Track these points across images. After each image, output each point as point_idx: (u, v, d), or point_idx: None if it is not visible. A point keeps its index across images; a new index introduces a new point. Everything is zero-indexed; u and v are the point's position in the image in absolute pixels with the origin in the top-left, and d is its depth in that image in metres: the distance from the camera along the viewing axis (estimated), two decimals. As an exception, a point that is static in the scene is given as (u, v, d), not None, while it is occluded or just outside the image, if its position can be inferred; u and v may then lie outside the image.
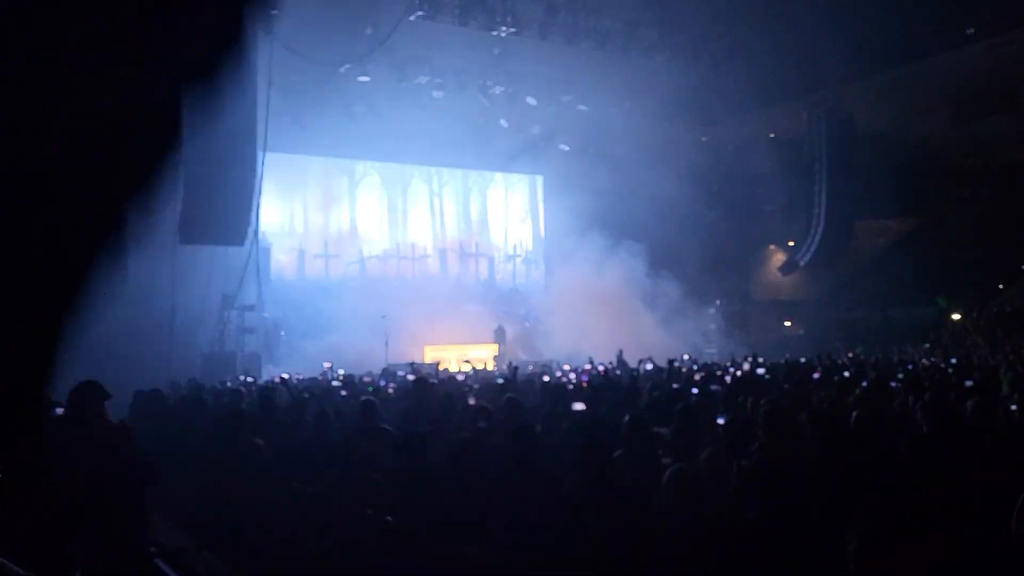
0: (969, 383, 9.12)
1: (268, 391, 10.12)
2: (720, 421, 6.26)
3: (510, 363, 19.15)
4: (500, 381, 10.51)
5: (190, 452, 7.80)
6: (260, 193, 19.94)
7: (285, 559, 5.62)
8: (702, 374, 11.41)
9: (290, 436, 7.75)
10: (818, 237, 27.77)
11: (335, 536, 5.43)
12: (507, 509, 4.84)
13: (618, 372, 13.78)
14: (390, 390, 11.22)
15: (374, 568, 5.00)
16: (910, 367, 14.13)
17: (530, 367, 18.11)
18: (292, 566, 5.51)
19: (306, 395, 9.73)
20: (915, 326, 27.07)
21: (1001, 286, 27.46)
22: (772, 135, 29.38)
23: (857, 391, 8.69)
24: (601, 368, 10.43)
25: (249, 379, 14.98)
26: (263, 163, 19.60)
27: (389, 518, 5.16)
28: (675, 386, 9.17)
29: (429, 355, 22.61)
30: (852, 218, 28.17)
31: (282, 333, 23.67)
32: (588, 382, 9.28)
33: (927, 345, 24.87)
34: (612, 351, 17.59)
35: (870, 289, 28.21)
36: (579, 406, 7.08)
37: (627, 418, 6.03)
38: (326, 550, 5.39)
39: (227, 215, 18.47)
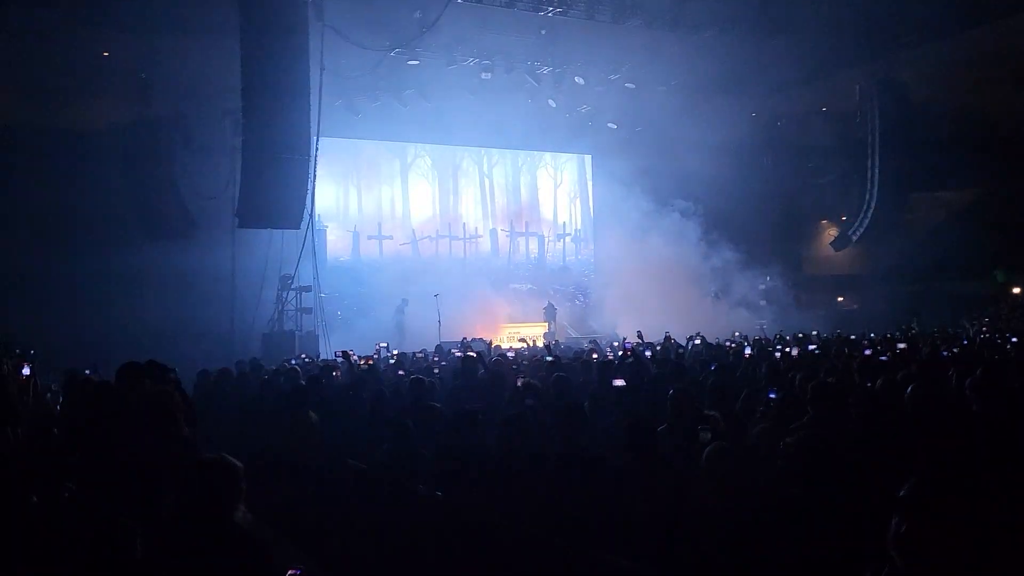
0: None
1: (327, 369, 10.29)
2: (772, 396, 6.21)
3: (550, 343, 19.14)
4: (549, 359, 10.50)
5: (253, 428, 8.00)
6: (315, 177, 20.17)
7: (340, 530, 5.74)
8: (752, 352, 11.27)
9: (348, 414, 7.90)
10: (871, 211, 27.10)
11: (387, 509, 5.53)
12: (553, 487, 4.86)
13: (665, 347, 13.69)
14: (435, 370, 11.28)
15: (424, 540, 5.08)
16: (965, 342, 13.75)
17: (584, 344, 18.09)
18: (346, 536, 5.62)
19: (365, 365, 9.88)
20: (973, 300, 26.32)
21: (1063, 258, 26.52)
22: (824, 108, 28.68)
23: (913, 367, 8.51)
24: (631, 344, 10.32)
25: (307, 359, 15.20)
26: (317, 148, 19.80)
27: (439, 493, 5.24)
28: (712, 367, 9.08)
29: (504, 333, 23.05)
30: (907, 191, 27.40)
31: (338, 313, 24.01)
32: (631, 351, 9.23)
33: (987, 319, 24.19)
34: (662, 327, 17.46)
35: (926, 263, 27.46)
36: (619, 382, 7.07)
37: (672, 392, 6.02)
38: (377, 522, 5.49)
39: (284, 199, 18.71)
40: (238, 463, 3.45)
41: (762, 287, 27.29)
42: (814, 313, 25.94)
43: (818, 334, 16.92)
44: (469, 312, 23.34)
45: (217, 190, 21.03)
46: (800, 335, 16.63)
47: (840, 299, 30.19)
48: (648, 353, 10.29)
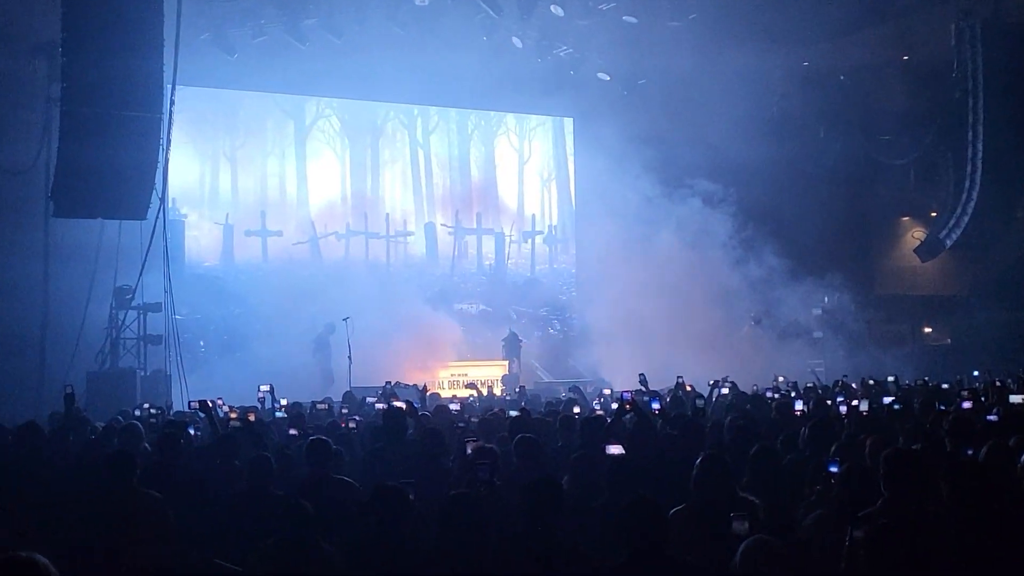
0: None
1: (177, 425, 10.17)
2: (833, 470, 6.30)
3: (520, 387, 19.16)
4: (512, 414, 10.50)
5: (72, 513, 7.85)
6: (169, 145, 19.97)
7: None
8: (802, 404, 11.37)
9: (212, 491, 7.81)
10: (972, 205, 27.50)
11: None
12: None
13: (677, 397, 13.79)
14: (352, 425, 11.26)
15: None
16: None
17: (561, 393, 18.11)
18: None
19: (236, 421, 9.81)
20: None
21: None
22: (905, 58, 29.11)
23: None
24: (630, 394, 10.37)
25: (153, 410, 15.02)
26: (173, 102, 19.63)
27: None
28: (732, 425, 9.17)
29: (445, 376, 23.51)
30: (1022, 177, 27.87)
31: (201, 344, 23.74)
32: (631, 403, 9.31)
33: None
34: (674, 368, 17.57)
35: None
36: (615, 449, 7.13)
37: (699, 462, 6.07)
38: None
39: (122, 177, 18.48)
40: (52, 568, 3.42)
41: (817, 311, 27.55)
42: (891, 350, 26.19)
43: (896, 380, 17.11)
44: (393, 345, 23.26)
45: (25, 162, 20.74)
46: (871, 381, 16.80)
47: (927, 330, 30.51)
48: (656, 406, 10.35)
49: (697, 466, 6.04)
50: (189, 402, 12.24)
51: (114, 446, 9.64)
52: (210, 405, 10.90)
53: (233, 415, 10.99)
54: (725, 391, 14.07)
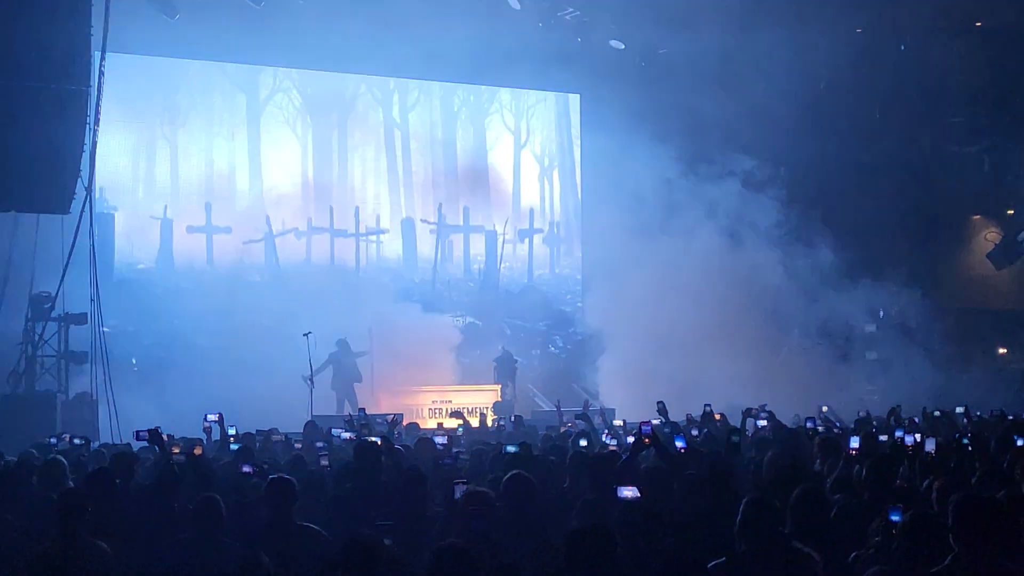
0: None
1: (123, 461, 10.16)
2: (895, 519, 6.31)
3: (516, 417, 19.13)
4: (510, 450, 10.51)
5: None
6: (97, 124, 19.96)
7: None
8: (858, 442, 11.35)
9: (151, 539, 7.80)
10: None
11: None
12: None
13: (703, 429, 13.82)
14: (324, 462, 11.27)
15: None
16: None
17: (566, 423, 18.12)
18: None
19: (180, 456, 9.81)
20: None
21: None
22: (978, 24, 29.09)
23: None
24: (651, 427, 10.28)
25: (77, 441, 15.04)
26: (103, 73, 19.62)
27: None
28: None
29: (425, 403, 23.68)
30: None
31: (133, 362, 23.69)
32: (651, 436, 9.32)
33: None
34: (700, 394, 17.58)
35: None
36: (629, 492, 7.12)
37: (745, 503, 6.07)
38: None
39: (40, 162, 18.44)
40: None
41: (871, 328, 27.54)
42: (958, 374, 26.14)
43: (966, 411, 17.05)
44: (363, 365, 23.25)
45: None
46: (936, 413, 16.72)
47: (1002, 351, 30.44)
48: (680, 443, 10.34)
49: (742, 511, 5.99)
50: (136, 432, 12.16)
51: (32, 486, 9.64)
52: (163, 436, 10.92)
53: (176, 449, 10.97)
54: (763, 423, 13.98)
